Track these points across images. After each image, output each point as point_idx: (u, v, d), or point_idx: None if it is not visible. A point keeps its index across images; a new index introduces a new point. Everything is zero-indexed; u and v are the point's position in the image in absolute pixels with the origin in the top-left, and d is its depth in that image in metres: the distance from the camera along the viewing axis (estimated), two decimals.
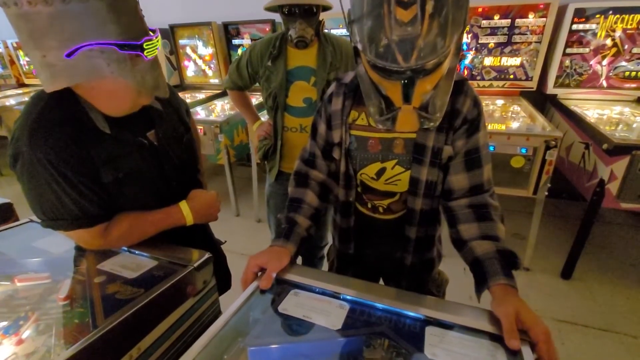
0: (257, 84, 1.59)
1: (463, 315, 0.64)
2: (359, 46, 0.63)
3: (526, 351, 0.56)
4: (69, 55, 0.64)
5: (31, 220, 1.05)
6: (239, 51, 3.18)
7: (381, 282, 1.12)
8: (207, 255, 0.84)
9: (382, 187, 0.88)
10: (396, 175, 0.84)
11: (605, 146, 1.72)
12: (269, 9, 1.41)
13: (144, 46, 0.70)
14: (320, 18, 1.41)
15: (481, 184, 0.78)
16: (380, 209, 0.92)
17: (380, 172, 0.85)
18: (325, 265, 1.85)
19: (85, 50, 0.64)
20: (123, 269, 0.81)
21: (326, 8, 1.42)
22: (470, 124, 0.77)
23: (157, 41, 0.73)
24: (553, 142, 1.83)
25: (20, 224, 1.05)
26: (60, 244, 0.94)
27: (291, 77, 1.45)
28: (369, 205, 0.94)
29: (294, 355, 0.61)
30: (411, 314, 0.66)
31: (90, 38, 0.64)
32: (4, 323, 0.68)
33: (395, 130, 0.70)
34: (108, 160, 0.79)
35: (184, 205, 0.93)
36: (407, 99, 0.64)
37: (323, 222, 1.71)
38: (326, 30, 1.53)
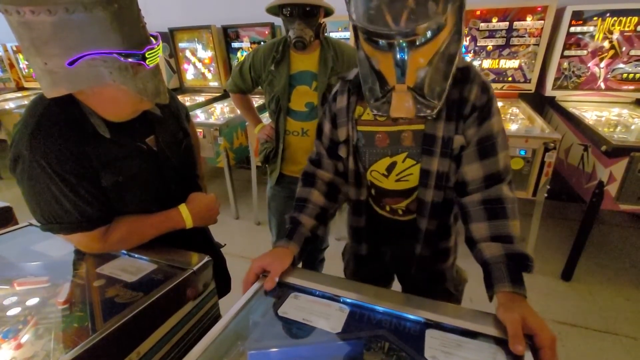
0: (260, 87, 1.59)
1: (463, 319, 0.63)
2: (354, 17, 0.62)
3: (528, 356, 0.56)
4: (71, 63, 0.64)
5: (30, 224, 1.05)
6: (239, 54, 3.19)
7: (395, 279, 1.12)
8: (206, 258, 0.84)
9: (392, 186, 0.86)
10: (407, 169, 0.82)
11: (604, 148, 1.72)
12: (270, 9, 1.42)
13: (146, 55, 0.70)
14: (322, 21, 1.41)
15: (497, 172, 0.74)
16: (400, 211, 0.91)
17: (391, 167, 0.83)
18: (325, 268, 1.86)
19: (88, 59, 0.65)
20: (122, 272, 0.81)
21: (328, 13, 1.43)
22: (480, 111, 0.73)
23: (159, 49, 0.74)
24: (552, 144, 1.83)
25: (20, 228, 1.05)
26: (60, 247, 0.93)
27: (293, 82, 1.45)
28: (388, 209, 0.92)
29: (293, 358, 0.61)
30: (411, 316, 0.66)
31: (93, 47, 0.64)
32: (3, 327, 0.68)
33: (393, 118, 0.68)
34: (108, 164, 0.79)
35: (183, 208, 0.93)
36: (400, 73, 0.62)
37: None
38: (328, 35, 1.54)
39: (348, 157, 0.87)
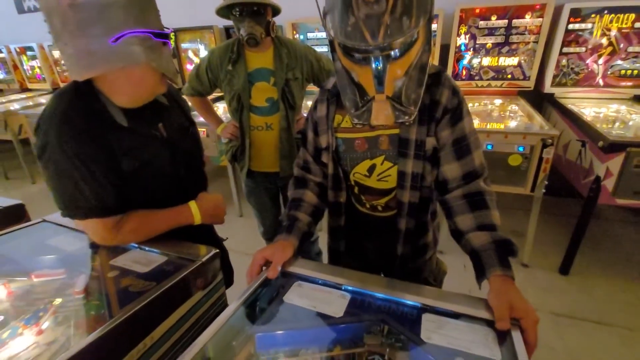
0: (219, 89, 1.66)
1: (457, 303, 0.67)
2: (332, 33, 0.66)
3: (516, 335, 0.60)
4: (114, 41, 0.72)
5: (44, 220, 1.09)
6: None
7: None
8: (214, 250, 0.88)
9: (375, 185, 0.91)
10: (386, 171, 0.87)
11: (600, 144, 1.75)
12: (219, 12, 1.48)
13: (170, 35, 0.80)
14: (270, 19, 1.49)
15: (474, 170, 0.80)
16: (379, 207, 0.96)
17: (372, 169, 0.88)
18: (325, 260, 1.90)
19: (126, 38, 0.73)
20: (135, 264, 0.85)
21: (275, 11, 1.51)
22: (452, 113, 0.79)
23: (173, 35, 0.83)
24: (549, 141, 1.86)
25: (34, 224, 1.09)
26: (73, 242, 0.98)
27: (252, 79, 1.54)
28: (368, 205, 0.97)
29: (298, 340, 0.65)
30: (409, 302, 0.69)
31: (132, 26, 0.73)
32: (25, 315, 0.72)
33: (373, 125, 0.73)
34: (127, 151, 0.85)
35: (193, 204, 0.97)
36: (379, 84, 0.66)
37: None
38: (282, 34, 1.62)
39: (328, 162, 0.92)
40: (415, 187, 0.86)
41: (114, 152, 0.82)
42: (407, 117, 0.71)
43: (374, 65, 0.65)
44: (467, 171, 0.80)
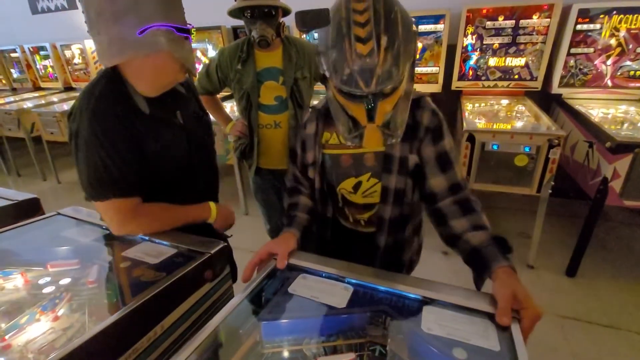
0: (228, 87, 1.69)
1: (457, 296, 0.69)
2: (327, 74, 0.73)
3: (515, 327, 0.61)
4: (142, 32, 0.79)
5: (58, 213, 1.13)
6: None
7: None
8: (222, 244, 0.91)
9: (360, 200, 0.96)
10: (371, 187, 0.93)
11: (608, 144, 1.75)
12: (231, 13, 1.52)
13: (192, 31, 0.89)
14: (281, 20, 1.52)
15: (458, 182, 0.85)
16: (362, 222, 1.00)
17: (357, 186, 0.94)
18: None
19: (154, 29, 0.80)
20: (146, 255, 0.88)
21: (286, 12, 1.54)
22: (433, 132, 0.86)
23: (194, 30, 0.91)
24: (556, 141, 1.86)
25: (48, 217, 1.13)
26: (87, 234, 1.01)
27: (261, 78, 1.57)
28: (351, 220, 1.01)
29: (302, 329, 0.67)
30: (410, 295, 0.71)
31: (159, 20, 0.80)
32: (41, 302, 0.75)
33: (362, 146, 0.79)
34: (148, 135, 0.91)
35: (212, 204, 1.04)
36: (370, 118, 0.74)
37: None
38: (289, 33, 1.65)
39: (315, 177, 0.97)
40: (397, 203, 0.91)
41: (137, 135, 0.89)
42: (394, 140, 0.79)
43: (365, 104, 0.72)
44: (452, 183, 0.85)
